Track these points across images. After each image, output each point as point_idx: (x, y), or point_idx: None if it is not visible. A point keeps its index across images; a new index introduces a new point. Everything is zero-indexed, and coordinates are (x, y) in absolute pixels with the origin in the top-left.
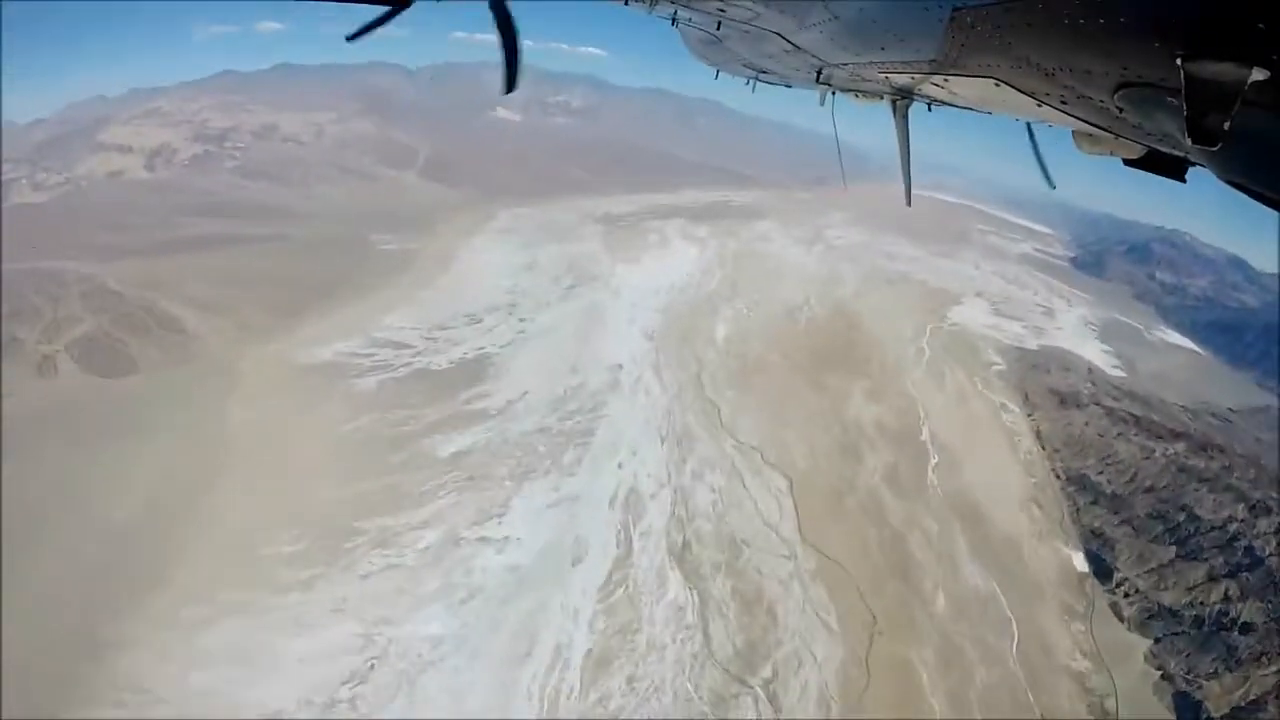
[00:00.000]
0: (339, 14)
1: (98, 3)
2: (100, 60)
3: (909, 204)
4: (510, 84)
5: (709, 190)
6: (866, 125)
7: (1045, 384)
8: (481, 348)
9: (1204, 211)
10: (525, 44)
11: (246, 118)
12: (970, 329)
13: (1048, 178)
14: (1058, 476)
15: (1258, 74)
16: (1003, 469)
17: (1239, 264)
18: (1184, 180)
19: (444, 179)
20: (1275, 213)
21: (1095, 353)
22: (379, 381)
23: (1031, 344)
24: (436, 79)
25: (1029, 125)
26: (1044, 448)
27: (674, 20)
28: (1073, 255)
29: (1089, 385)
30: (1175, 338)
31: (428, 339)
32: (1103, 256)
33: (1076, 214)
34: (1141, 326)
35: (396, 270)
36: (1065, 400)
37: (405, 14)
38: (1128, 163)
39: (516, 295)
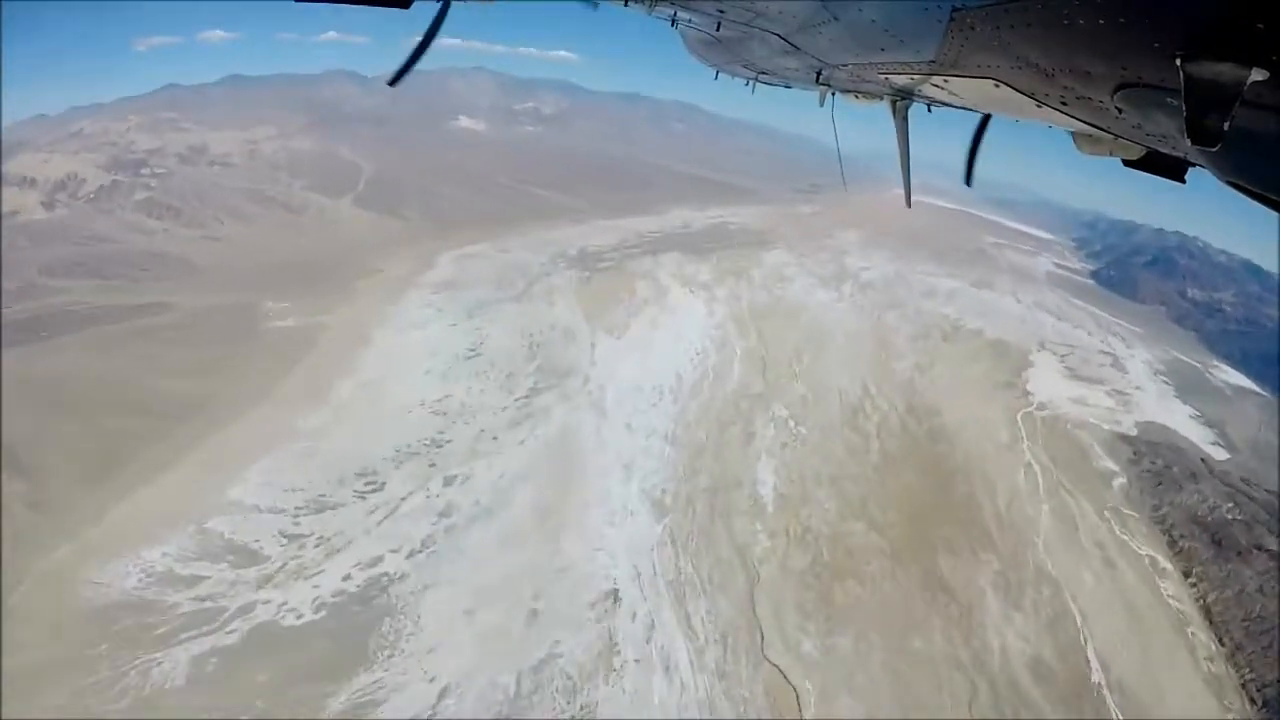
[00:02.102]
0: (294, 20)
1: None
2: (48, 75)
3: (909, 205)
4: (400, 77)
5: (699, 208)
6: (852, 126)
7: (1179, 505)
8: (376, 565)
9: (1193, 208)
10: (494, 48)
11: (176, 138)
12: (1059, 410)
13: (970, 176)
14: (1252, 700)
15: (1257, 74)
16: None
17: (1254, 271)
18: (1183, 181)
19: (385, 206)
20: (1276, 214)
21: (1187, 423)
22: (193, 658)
23: (1127, 423)
24: (395, 87)
25: (982, 121)
26: (1222, 642)
27: (674, 21)
28: (1092, 269)
29: (1219, 492)
30: (1235, 376)
31: (289, 537)
32: (1125, 271)
33: (1066, 213)
34: (1199, 364)
35: (280, 370)
36: (1218, 536)
37: (369, 19)
38: (1127, 163)
39: (446, 423)
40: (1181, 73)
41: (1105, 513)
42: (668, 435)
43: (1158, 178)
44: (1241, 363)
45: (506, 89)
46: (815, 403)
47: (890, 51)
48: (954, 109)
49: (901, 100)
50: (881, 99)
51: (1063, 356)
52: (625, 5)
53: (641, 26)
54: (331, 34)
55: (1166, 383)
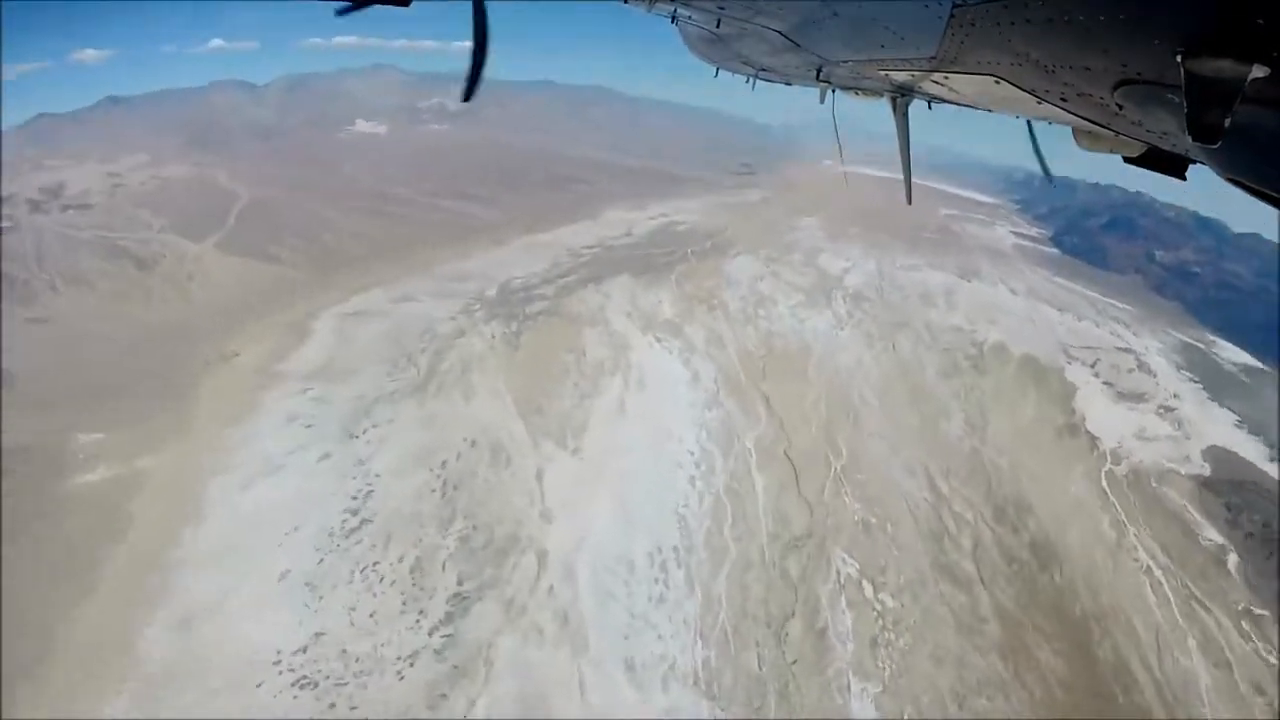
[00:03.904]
0: (174, 30)
1: None
2: None
3: (909, 201)
4: (469, 92)
5: (637, 206)
6: (770, 100)
7: None
8: None
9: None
10: (395, 44)
11: (33, 179)
12: (1135, 460)
13: (1047, 172)
14: None
15: (1258, 71)
16: None
17: (1203, 223)
18: (1184, 178)
19: (256, 246)
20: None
21: (1242, 440)
22: None
23: (1196, 456)
24: (288, 93)
25: (1029, 122)
26: None
27: (673, 18)
28: (1050, 235)
29: None
30: (1236, 353)
31: None
32: (1087, 236)
33: (994, 172)
34: (1202, 345)
35: (72, 586)
36: None
37: (254, 24)
38: (1128, 160)
39: (316, 701)
40: (1182, 69)
41: (1242, 623)
42: (697, 676)
43: None
44: (1233, 333)
45: (409, 86)
46: (885, 535)
47: (890, 48)
48: (954, 105)
49: (901, 97)
50: (882, 96)
51: (1092, 365)
52: (625, 2)
53: (547, 10)
54: (218, 42)
55: (1194, 380)
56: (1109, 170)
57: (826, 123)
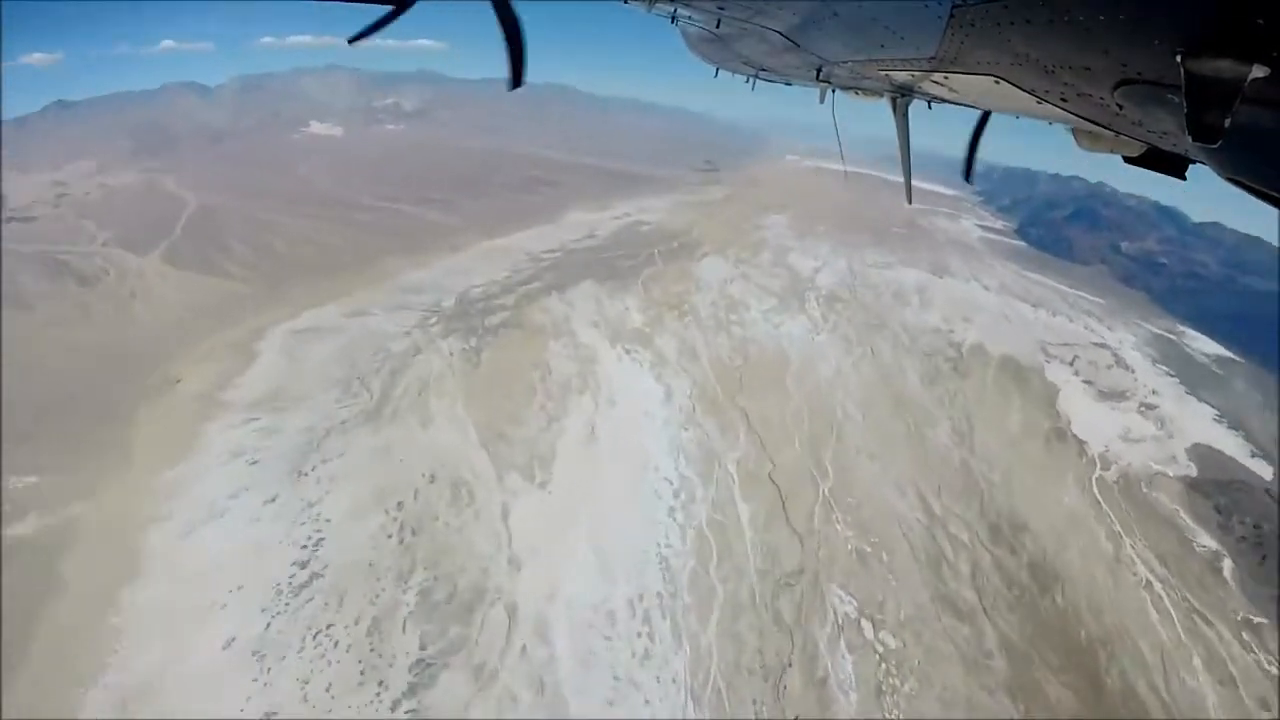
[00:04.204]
0: (126, 30)
1: None
2: None
3: (909, 202)
4: (516, 79)
5: (599, 206)
6: (731, 99)
7: None
8: None
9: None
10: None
11: None
12: (1124, 464)
13: (969, 172)
14: None
15: (1258, 71)
16: None
17: (1165, 213)
18: (1184, 178)
19: (203, 258)
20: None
21: (1222, 435)
22: None
23: (1181, 456)
24: (242, 95)
25: (981, 119)
26: None
27: (673, 18)
28: (1014, 228)
29: None
30: (1207, 344)
31: None
32: (1051, 228)
33: (950, 164)
34: (1173, 336)
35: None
36: None
37: (208, 24)
38: (1128, 160)
39: None
40: (1182, 69)
41: (1243, 634)
42: None
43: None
44: (1201, 323)
45: (365, 85)
46: (881, 565)
47: (891, 48)
48: (954, 105)
49: (901, 97)
50: (882, 96)
51: (1071, 363)
52: (625, 2)
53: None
54: (169, 43)
55: (1170, 374)
56: (1070, 161)
57: (787, 119)
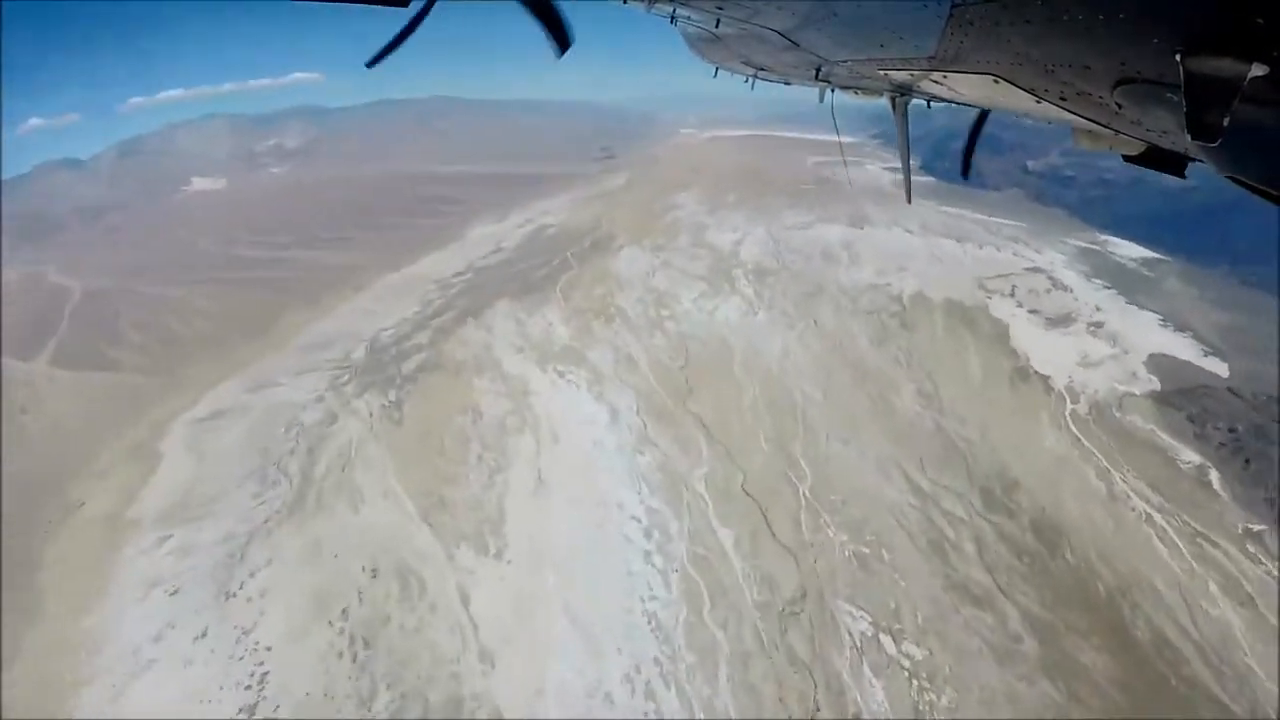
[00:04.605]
0: None
1: None
2: None
3: (909, 200)
4: (562, 44)
5: (502, 216)
6: (611, 81)
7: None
8: None
9: None
10: (223, 89)
11: None
12: (1090, 392)
13: (967, 169)
14: None
15: (1257, 69)
16: None
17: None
18: (1184, 176)
19: (93, 353)
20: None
21: (1170, 339)
22: None
23: (1141, 371)
24: (118, 162)
25: (979, 116)
26: None
27: (672, 19)
28: (919, 164)
29: None
30: (1132, 248)
31: None
32: (954, 160)
33: (841, 111)
34: (1097, 246)
35: None
36: None
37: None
38: (1127, 159)
39: None
40: (1181, 68)
41: (1247, 546)
42: None
43: None
44: (1121, 229)
45: (243, 131)
46: (883, 564)
47: (890, 47)
48: (953, 104)
49: (901, 96)
50: (881, 95)
51: (1011, 294)
52: (625, 3)
53: (383, 24)
54: (35, 120)
55: (1107, 286)
56: None
57: (673, 94)
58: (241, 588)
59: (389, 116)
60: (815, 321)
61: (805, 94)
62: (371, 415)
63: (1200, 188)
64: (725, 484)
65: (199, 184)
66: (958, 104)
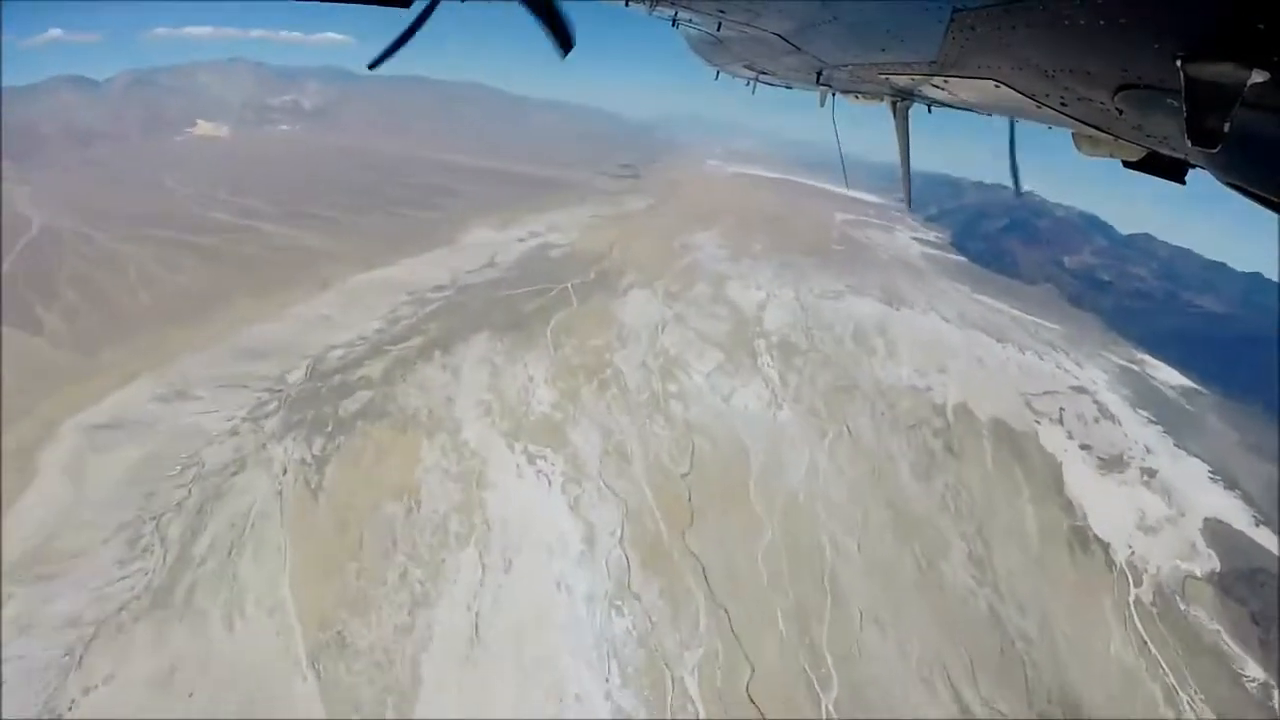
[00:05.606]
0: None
1: None
2: None
3: (909, 206)
4: (564, 45)
5: (504, 223)
6: (643, 97)
7: None
8: None
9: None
10: (252, 35)
11: None
12: (1156, 576)
13: (1017, 186)
14: None
15: (1257, 76)
16: None
17: (1093, 223)
18: (1184, 182)
19: (23, 308)
20: (1276, 215)
21: (1221, 499)
22: None
23: (1196, 538)
24: (129, 90)
25: (1011, 129)
26: None
27: (674, 21)
28: (948, 240)
29: None
30: (1170, 374)
31: None
32: (990, 241)
33: (861, 166)
34: (1135, 366)
35: None
36: None
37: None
38: (1127, 165)
39: None
40: (1182, 74)
41: None
42: None
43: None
44: (1156, 348)
45: (265, 81)
46: None
47: (891, 52)
48: (954, 109)
49: (902, 101)
50: (882, 99)
51: (1060, 420)
52: (626, 5)
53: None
54: (56, 32)
55: (1153, 421)
56: (991, 169)
57: (700, 117)
58: (70, 710)
59: (412, 93)
60: (848, 429)
61: (831, 138)
62: (285, 473)
63: (1235, 316)
64: (726, 681)
65: (203, 128)
66: (959, 108)
